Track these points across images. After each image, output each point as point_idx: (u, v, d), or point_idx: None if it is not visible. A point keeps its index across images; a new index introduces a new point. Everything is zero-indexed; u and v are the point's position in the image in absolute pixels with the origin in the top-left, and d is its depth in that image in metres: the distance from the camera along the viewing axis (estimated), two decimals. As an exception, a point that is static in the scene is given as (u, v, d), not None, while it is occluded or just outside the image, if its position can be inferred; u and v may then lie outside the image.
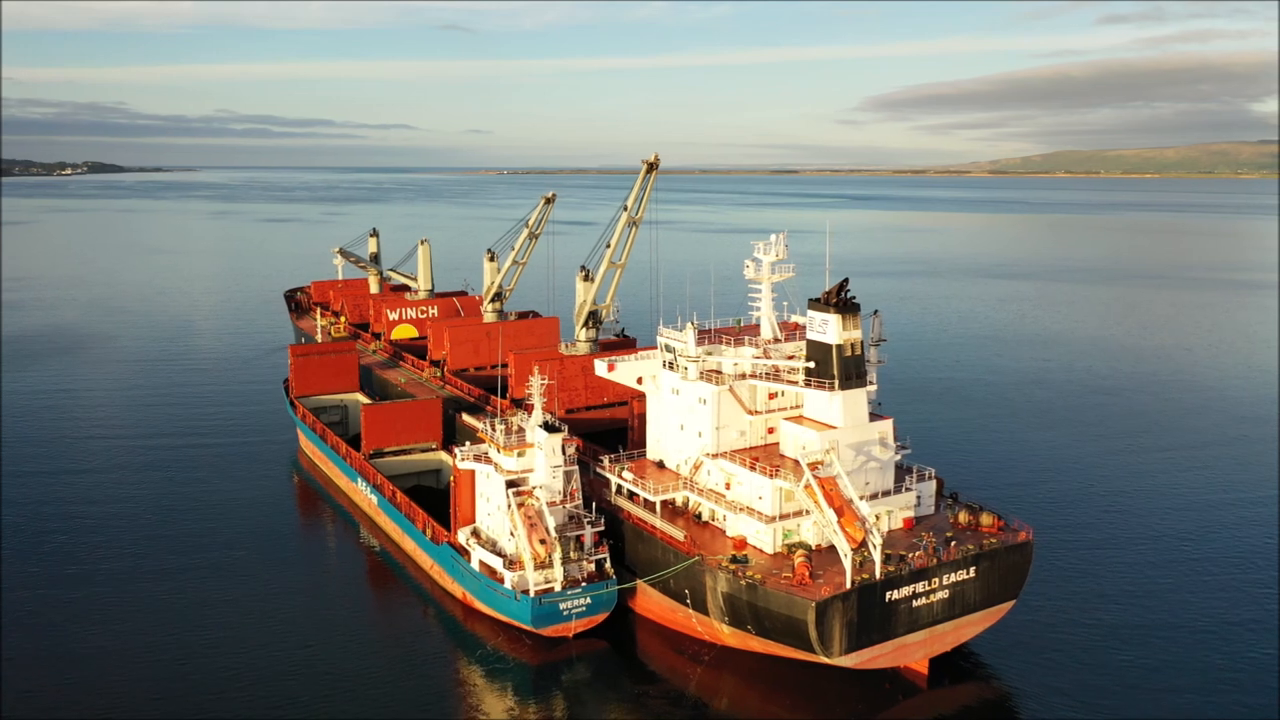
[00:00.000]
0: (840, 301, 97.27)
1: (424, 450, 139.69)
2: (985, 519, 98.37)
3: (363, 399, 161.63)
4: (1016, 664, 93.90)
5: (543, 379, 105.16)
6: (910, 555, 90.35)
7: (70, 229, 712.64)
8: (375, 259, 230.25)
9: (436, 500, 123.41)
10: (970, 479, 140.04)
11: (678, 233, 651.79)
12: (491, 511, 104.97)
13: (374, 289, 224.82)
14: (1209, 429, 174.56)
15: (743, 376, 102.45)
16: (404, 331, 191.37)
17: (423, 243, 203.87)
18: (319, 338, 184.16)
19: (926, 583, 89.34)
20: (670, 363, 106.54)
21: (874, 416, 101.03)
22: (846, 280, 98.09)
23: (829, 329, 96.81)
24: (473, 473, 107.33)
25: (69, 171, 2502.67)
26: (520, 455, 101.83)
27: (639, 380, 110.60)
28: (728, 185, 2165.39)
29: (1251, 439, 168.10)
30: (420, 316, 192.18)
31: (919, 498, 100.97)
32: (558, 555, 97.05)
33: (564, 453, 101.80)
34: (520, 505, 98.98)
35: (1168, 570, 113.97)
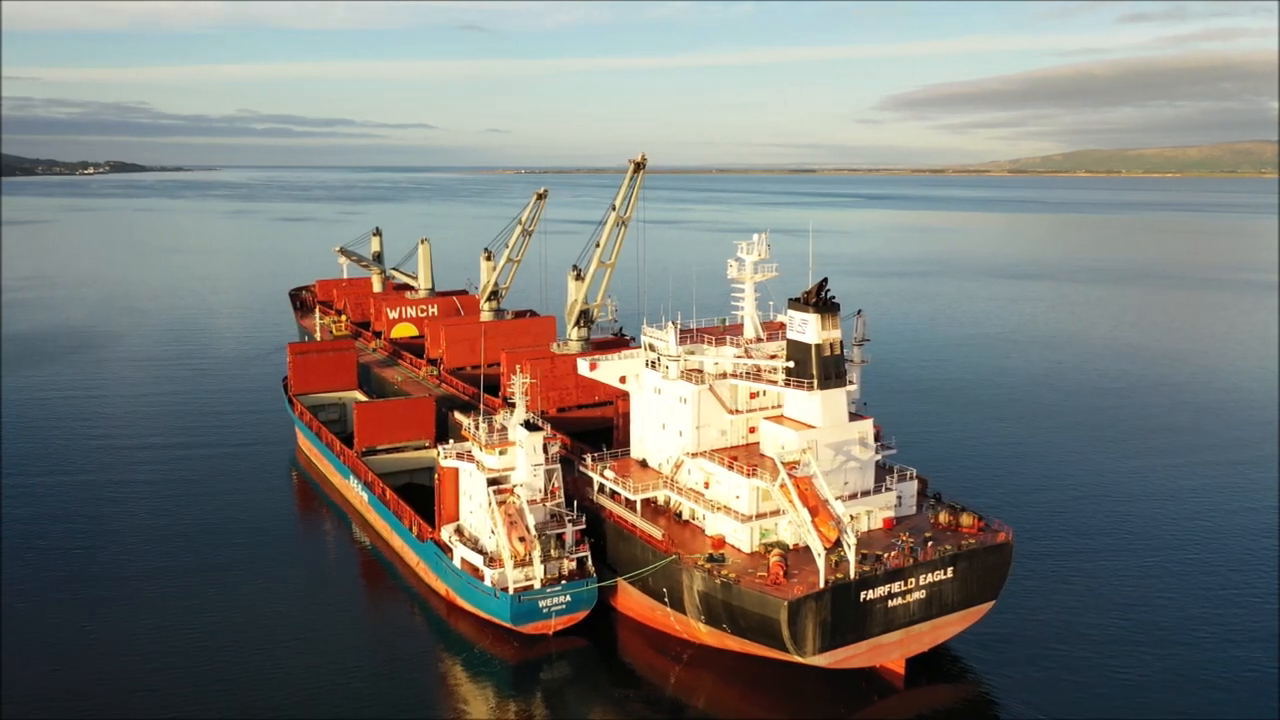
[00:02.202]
0: (819, 301, 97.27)
1: (416, 448, 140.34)
2: (965, 519, 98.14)
3: (361, 397, 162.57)
4: (995, 665, 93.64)
5: (524, 378, 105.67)
6: (886, 555, 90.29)
7: (87, 228, 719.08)
8: (378, 258, 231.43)
9: (428, 498, 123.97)
10: (968, 481, 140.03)
11: (691, 232, 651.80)
12: (474, 509, 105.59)
13: (377, 288, 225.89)
14: (1219, 433, 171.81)
15: (723, 376, 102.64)
16: (404, 330, 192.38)
17: (423, 242, 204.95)
18: (318, 336, 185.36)
19: (902, 583, 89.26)
20: (653, 362, 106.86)
21: (855, 416, 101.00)
22: (825, 280, 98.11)
23: (808, 329, 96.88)
24: (456, 470, 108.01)
25: (91, 171, 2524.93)
26: (502, 453, 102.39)
27: (621, 380, 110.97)
28: (745, 185, 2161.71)
29: (1257, 445, 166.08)
30: (420, 315, 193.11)
31: (899, 498, 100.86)
32: (537, 553, 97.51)
33: (545, 451, 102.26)
34: (501, 503, 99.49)
35: (1157, 575, 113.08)
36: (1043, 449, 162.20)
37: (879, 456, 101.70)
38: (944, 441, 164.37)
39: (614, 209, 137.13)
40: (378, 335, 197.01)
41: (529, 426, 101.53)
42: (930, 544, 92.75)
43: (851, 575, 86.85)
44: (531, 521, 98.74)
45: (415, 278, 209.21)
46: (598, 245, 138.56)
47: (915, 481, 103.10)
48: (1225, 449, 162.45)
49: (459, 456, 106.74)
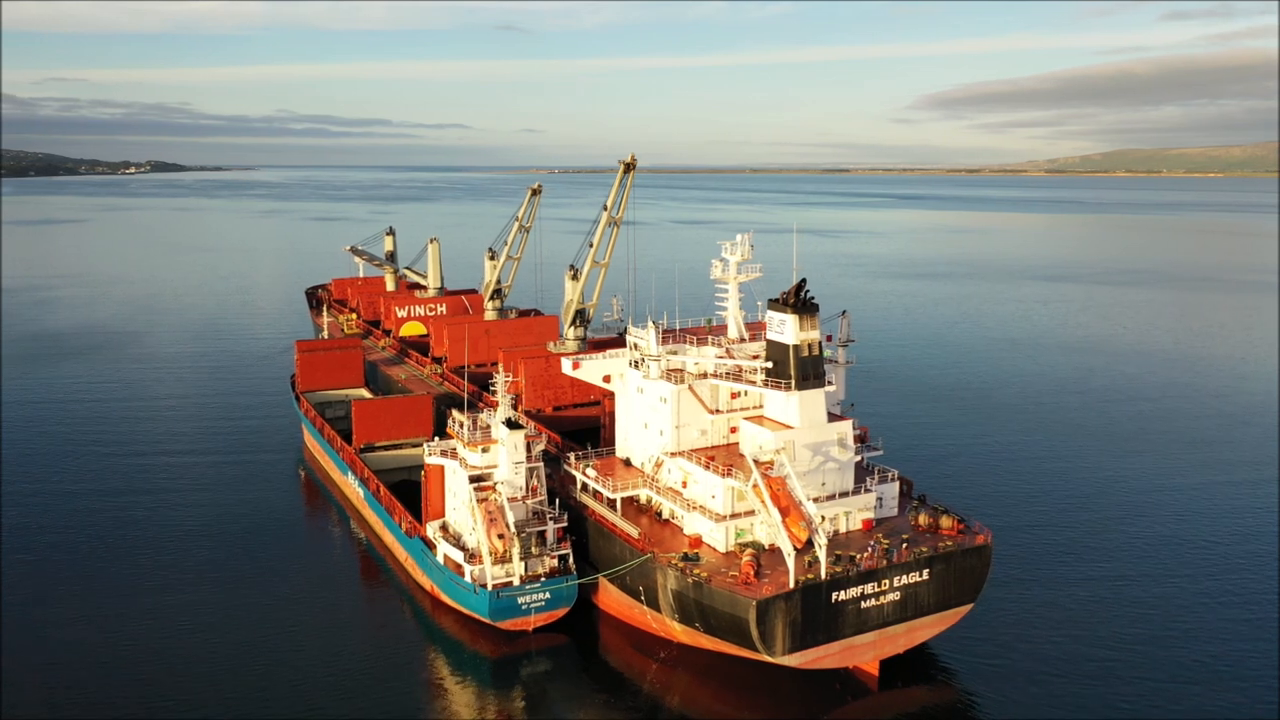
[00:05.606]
0: (798, 302, 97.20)
1: (414, 445, 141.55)
2: (945, 521, 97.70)
3: (367, 395, 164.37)
4: (971, 667, 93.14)
5: (506, 376, 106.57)
6: (859, 556, 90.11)
7: (122, 227, 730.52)
8: (391, 257, 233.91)
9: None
10: (966, 485, 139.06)
11: (722, 232, 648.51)
12: (458, 506, 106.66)
13: (390, 286, 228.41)
14: (1241, 443, 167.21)
15: (704, 376, 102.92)
16: (413, 329, 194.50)
17: (432, 241, 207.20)
18: (326, 334, 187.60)
19: (876, 584, 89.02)
20: (636, 361, 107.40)
21: (835, 417, 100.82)
22: (804, 281, 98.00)
23: (786, 329, 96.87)
24: (442, 468, 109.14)
25: (132, 170, 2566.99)
26: (485, 451, 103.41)
27: (606, 379, 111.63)
28: (777, 184, 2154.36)
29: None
30: (428, 314, 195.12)
31: (880, 499, 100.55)
32: (516, 550, 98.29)
33: (528, 450, 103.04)
34: (481, 500, 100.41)
35: (1146, 581, 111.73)
36: (1052, 455, 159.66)
37: (859, 458, 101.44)
38: (947, 445, 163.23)
39: (606, 209, 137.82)
40: (388, 334, 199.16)
41: (510, 424, 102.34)
42: (906, 545, 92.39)
43: (823, 576, 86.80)
44: (511, 519, 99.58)
45: (426, 276, 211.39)
46: (591, 245, 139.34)
47: (897, 483, 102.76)
48: (1242, 458, 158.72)
49: (444, 454, 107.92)
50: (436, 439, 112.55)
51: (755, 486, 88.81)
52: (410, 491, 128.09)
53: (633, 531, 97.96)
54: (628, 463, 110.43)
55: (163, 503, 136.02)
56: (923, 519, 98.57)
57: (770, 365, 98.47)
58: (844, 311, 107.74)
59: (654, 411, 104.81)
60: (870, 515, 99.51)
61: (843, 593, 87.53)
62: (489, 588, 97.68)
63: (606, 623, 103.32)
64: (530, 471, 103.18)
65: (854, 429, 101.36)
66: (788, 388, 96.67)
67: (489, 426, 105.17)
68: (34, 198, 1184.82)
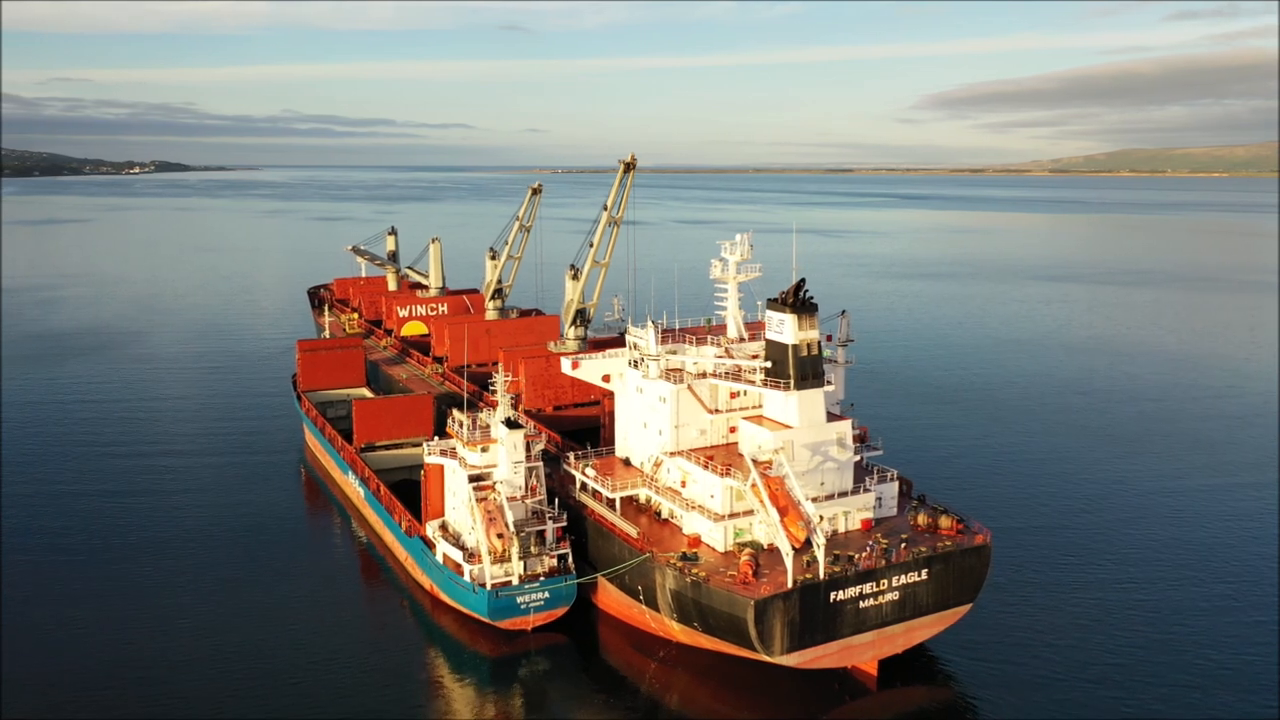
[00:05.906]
0: (797, 302, 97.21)
1: (415, 445, 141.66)
2: (944, 521, 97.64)
3: (368, 394, 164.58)
4: (970, 667, 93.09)
5: (505, 375, 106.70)
6: (858, 556, 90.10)
7: (125, 227, 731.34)
8: (393, 257, 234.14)
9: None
10: (967, 486, 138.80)
11: (724, 232, 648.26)
12: (457, 505, 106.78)
13: (392, 286, 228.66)
14: (1244, 444, 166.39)
15: (703, 375, 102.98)
16: (414, 328, 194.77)
17: (434, 241, 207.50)
18: (328, 333, 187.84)
19: (874, 584, 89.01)
20: (635, 361, 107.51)
21: (834, 417, 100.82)
22: (803, 280, 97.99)
23: (785, 329, 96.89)
24: (441, 467, 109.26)
25: (136, 170, 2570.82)
26: (484, 450, 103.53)
27: (605, 378, 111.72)
28: (780, 184, 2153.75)
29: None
30: (430, 314, 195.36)
31: (879, 499, 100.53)
32: (515, 549, 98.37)
33: (528, 449, 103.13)
34: (480, 500, 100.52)
35: (1145, 583, 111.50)
36: (1053, 455, 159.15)
37: (859, 457, 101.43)
38: (947, 445, 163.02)
39: (606, 209, 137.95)
40: (389, 333, 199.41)
41: (510, 424, 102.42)
42: (904, 545, 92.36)
43: (821, 576, 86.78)
44: (510, 518, 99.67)
45: (427, 276, 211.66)
46: (591, 245, 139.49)
47: (896, 483, 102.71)
48: (1244, 459, 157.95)
49: (444, 453, 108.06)
50: (437, 438, 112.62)
51: (754, 486, 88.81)
52: (411, 491, 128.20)
53: (632, 531, 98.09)
54: (627, 462, 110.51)
55: (164, 502, 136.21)
56: (922, 519, 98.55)
57: (769, 365, 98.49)
58: (843, 311, 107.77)
59: (653, 411, 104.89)
60: (869, 515, 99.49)
61: (841, 592, 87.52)
62: (488, 587, 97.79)
63: (605, 622, 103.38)
64: (530, 471, 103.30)
65: (854, 429, 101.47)
66: (786, 387, 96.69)
67: (489, 426, 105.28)
68: (38, 197, 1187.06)
